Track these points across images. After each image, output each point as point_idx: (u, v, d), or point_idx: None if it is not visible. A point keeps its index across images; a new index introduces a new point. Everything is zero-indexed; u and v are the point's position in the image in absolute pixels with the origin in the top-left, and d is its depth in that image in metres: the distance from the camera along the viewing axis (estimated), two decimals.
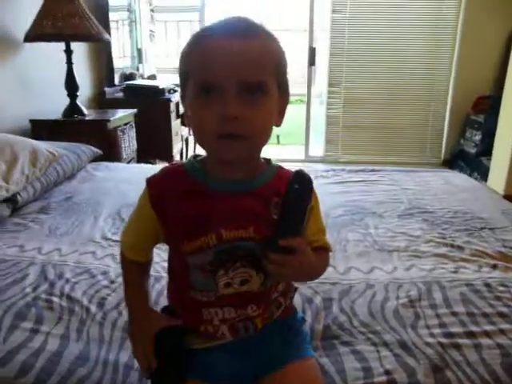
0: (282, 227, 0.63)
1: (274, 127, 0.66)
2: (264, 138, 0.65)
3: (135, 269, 0.78)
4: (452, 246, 1.29)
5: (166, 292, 0.94)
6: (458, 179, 1.99)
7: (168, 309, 0.79)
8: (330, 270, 1.16)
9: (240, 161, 0.65)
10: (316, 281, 1.05)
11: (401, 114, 3.97)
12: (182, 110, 3.17)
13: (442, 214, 1.53)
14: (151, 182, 0.70)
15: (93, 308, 1.00)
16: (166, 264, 1.05)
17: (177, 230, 0.67)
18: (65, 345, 0.88)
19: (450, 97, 3.86)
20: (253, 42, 0.60)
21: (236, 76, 0.58)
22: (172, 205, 0.67)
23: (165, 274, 1.09)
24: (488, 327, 0.91)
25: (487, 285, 1.06)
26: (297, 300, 0.96)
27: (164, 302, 0.91)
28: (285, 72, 0.66)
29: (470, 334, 0.89)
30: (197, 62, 0.61)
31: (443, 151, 4.02)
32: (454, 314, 0.96)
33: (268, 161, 0.72)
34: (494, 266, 1.16)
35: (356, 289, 1.08)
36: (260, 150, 0.68)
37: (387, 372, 0.80)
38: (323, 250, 0.75)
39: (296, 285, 0.89)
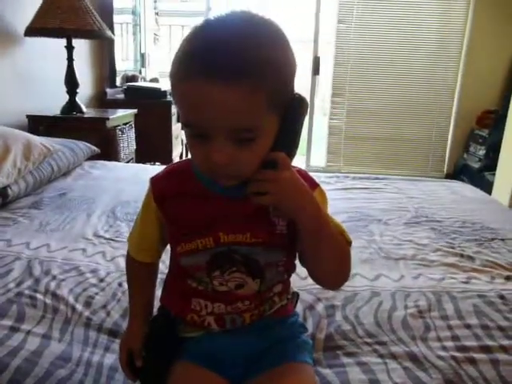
0: (273, 147, 0.57)
1: None
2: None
3: (140, 270, 0.76)
4: (462, 255, 1.23)
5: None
6: (465, 190, 1.92)
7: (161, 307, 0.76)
8: None
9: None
10: (318, 287, 0.98)
11: (404, 127, 3.92)
12: None
13: (450, 224, 1.47)
14: (155, 181, 0.69)
15: (79, 307, 0.94)
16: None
17: (175, 230, 0.67)
18: (45, 344, 0.81)
19: (455, 110, 3.82)
20: (244, 81, 0.51)
21: (224, 124, 0.53)
22: (173, 204, 0.66)
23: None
24: (505, 342, 0.84)
25: (501, 297, 1.00)
26: (298, 307, 0.89)
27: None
28: (288, 82, 0.58)
29: (486, 349, 0.82)
30: (183, 98, 0.55)
31: (446, 165, 3.97)
32: (467, 326, 0.89)
33: None
34: (508, 278, 1.10)
35: (361, 296, 1.01)
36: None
37: None
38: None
39: (297, 290, 0.83)
